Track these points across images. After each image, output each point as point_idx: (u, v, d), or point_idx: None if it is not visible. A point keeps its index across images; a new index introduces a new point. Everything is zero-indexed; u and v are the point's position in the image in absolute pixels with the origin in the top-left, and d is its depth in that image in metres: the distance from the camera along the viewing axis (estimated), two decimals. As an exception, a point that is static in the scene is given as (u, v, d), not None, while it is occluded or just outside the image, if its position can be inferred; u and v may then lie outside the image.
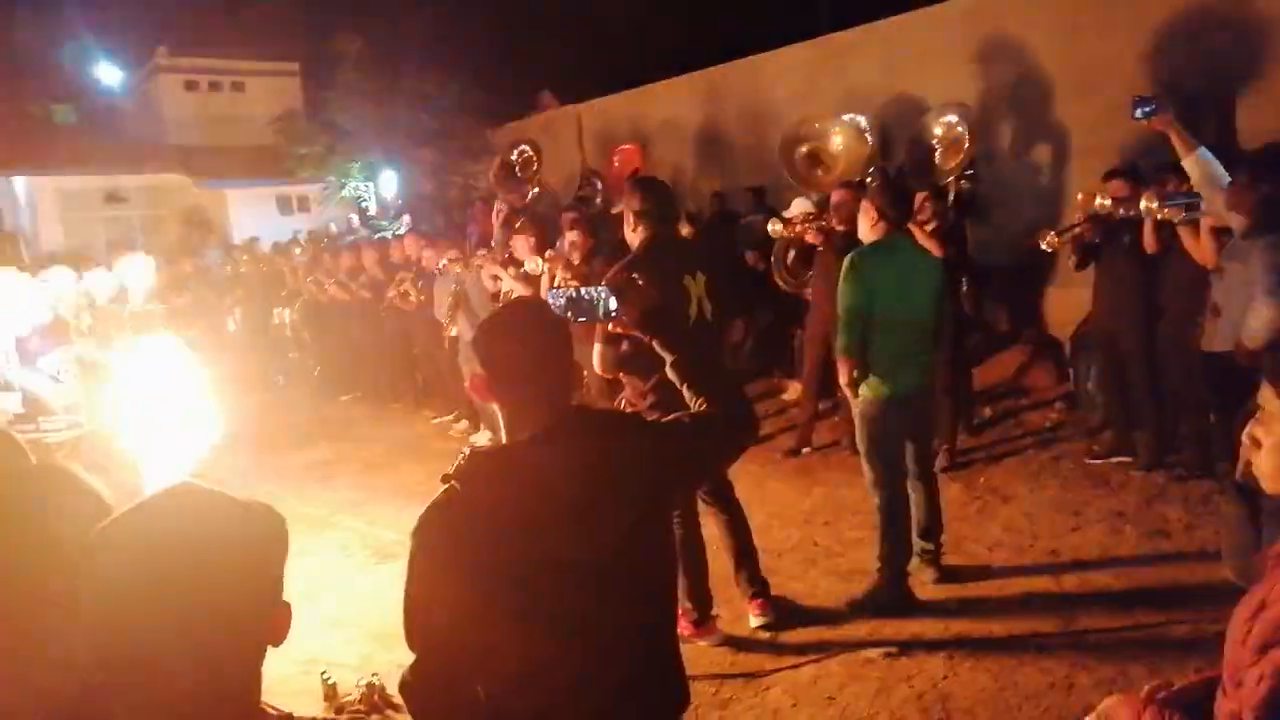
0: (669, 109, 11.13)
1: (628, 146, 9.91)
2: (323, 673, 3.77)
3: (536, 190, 10.45)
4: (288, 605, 1.19)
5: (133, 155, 20.63)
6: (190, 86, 23.06)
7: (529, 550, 1.63)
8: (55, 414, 7.99)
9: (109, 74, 21.98)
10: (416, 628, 1.66)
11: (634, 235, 3.83)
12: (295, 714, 1.23)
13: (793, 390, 7.42)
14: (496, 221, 8.24)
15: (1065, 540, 4.63)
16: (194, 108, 22.76)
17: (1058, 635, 3.74)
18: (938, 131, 6.97)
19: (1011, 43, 7.64)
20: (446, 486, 1.67)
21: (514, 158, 10.59)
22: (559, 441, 1.69)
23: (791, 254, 6.54)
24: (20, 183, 20.01)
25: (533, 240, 6.78)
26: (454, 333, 7.66)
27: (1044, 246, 5.52)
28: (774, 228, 6.20)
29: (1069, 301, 6.61)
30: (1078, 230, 5.48)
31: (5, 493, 1.45)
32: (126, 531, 1.13)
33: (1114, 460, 5.54)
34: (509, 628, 1.63)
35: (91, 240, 19.78)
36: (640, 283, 2.02)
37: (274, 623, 1.17)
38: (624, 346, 3.46)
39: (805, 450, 6.40)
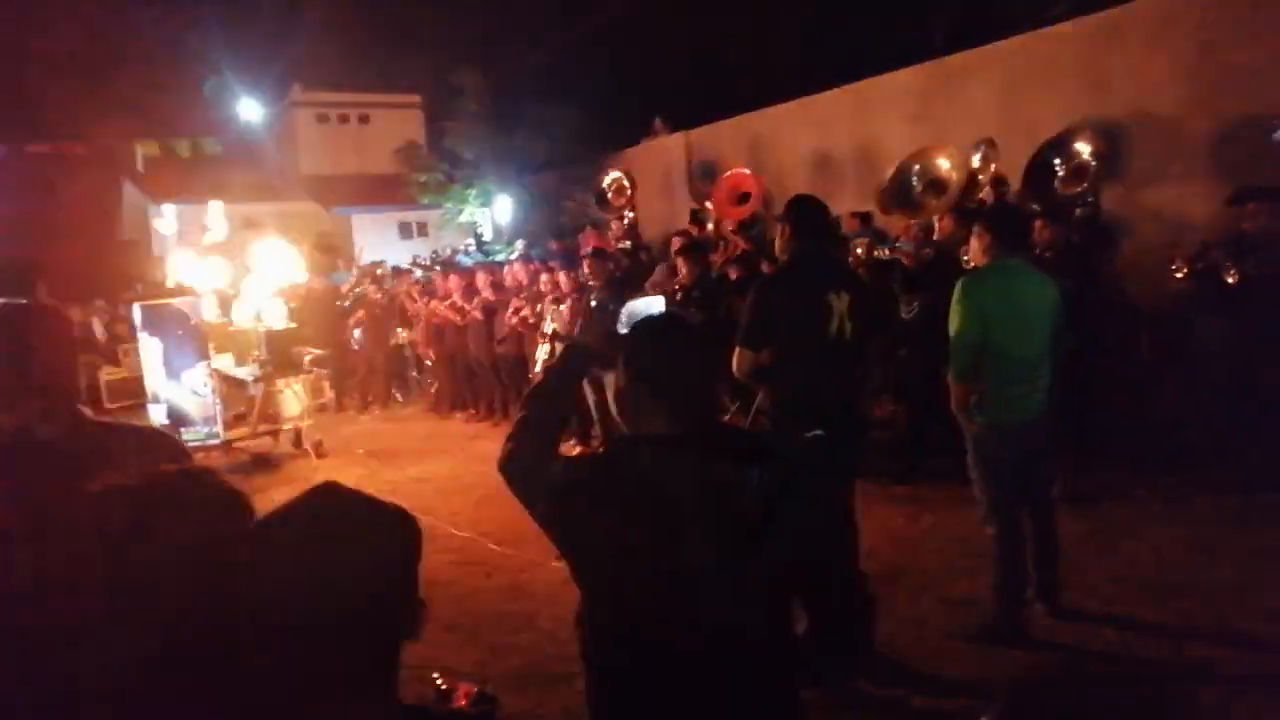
0: (779, 134, 11.15)
1: (736, 171, 9.96)
2: (436, 677, 3.91)
3: (632, 215, 10.68)
4: (423, 601, 1.28)
5: (269, 184, 21.94)
6: (321, 119, 24.42)
7: (636, 534, 1.72)
8: (196, 425, 8.57)
9: (249, 109, 23.44)
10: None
11: (784, 248, 3.90)
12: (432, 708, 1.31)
13: (900, 416, 7.27)
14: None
15: (1196, 578, 4.40)
16: (324, 139, 24.07)
17: (1186, 678, 3.55)
18: (1063, 153, 6.78)
19: (1135, 62, 7.36)
20: (596, 449, 1.83)
21: (606, 185, 10.88)
22: (689, 450, 1.76)
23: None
24: (169, 210, 21.50)
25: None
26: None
27: (1174, 270, 5.32)
28: (859, 251, 6.17)
29: (1201, 326, 6.29)
30: (1213, 257, 5.25)
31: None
32: (279, 528, 1.24)
33: (1252, 497, 5.22)
34: (602, 578, 1.80)
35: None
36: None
37: (411, 615, 1.25)
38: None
39: (914, 477, 6.27)
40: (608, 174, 11.14)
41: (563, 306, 8.17)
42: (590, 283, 7.57)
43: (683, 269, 7.01)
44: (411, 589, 1.28)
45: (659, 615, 1.73)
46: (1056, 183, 6.72)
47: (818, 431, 3.65)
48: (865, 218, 8.58)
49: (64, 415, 1.84)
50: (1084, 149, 6.74)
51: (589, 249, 8.97)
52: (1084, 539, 4.96)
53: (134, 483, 1.38)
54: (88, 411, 1.92)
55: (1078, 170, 6.67)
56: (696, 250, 7.29)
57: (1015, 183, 7.16)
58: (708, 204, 10.11)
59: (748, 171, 9.81)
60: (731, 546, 1.73)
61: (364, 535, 1.23)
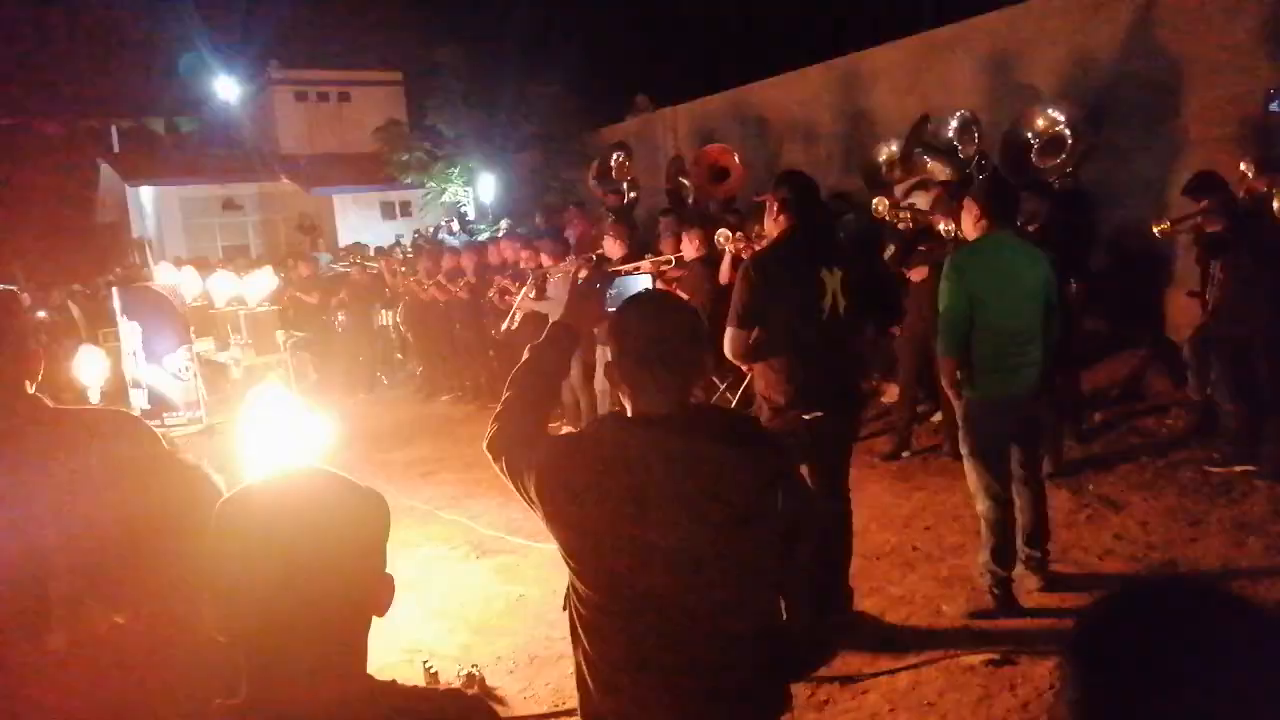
0: (765, 109, 11.06)
1: (713, 146, 9.88)
2: (425, 661, 3.89)
3: (634, 195, 10.59)
4: (390, 577, 1.25)
5: (248, 165, 21.67)
6: (300, 97, 24.03)
7: (619, 514, 1.69)
8: (178, 409, 8.48)
9: (226, 88, 23.07)
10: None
11: (774, 225, 3.84)
12: (397, 681, 1.30)
13: (890, 393, 7.27)
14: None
15: (1183, 550, 4.41)
16: (303, 118, 23.71)
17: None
18: (1037, 127, 6.73)
19: (1125, 33, 7.32)
20: (578, 430, 1.82)
21: (612, 162, 10.77)
22: (671, 429, 1.74)
23: (890, 249, 6.35)
24: (147, 192, 21.24)
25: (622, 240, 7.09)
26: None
27: (1155, 232, 5.32)
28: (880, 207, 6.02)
29: (1187, 302, 6.30)
30: (1199, 219, 5.22)
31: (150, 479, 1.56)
32: (247, 506, 1.21)
33: (1237, 469, 5.24)
34: (585, 558, 1.77)
35: (209, 245, 20.98)
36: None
37: (380, 593, 1.23)
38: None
39: (904, 454, 6.27)
40: (613, 153, 11.04)
41: (548, 282, 8.06)
42: (612, 254, 7.35)
43: (688, 244, 6.96)
44: (378, 565, 1.25)
45: (641, 596, 1.71)
46: (1033, 155, 6.69)
47: (816, 413, 3.61)
48: (845, 196, 8.55)
49: (19, 403, 1.78)
50: (1058, 119, 6.69)
51: (611, 216, 8.88)
52: (1072, 512, 4.98)
53: (100, 467, 1.34)
54: (45, 399, 1.86)
55: (1054, 142, 6.64)
56: (701, 225, 7.23)
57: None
58: (682, 179, 10.04)
59: (722, 147, 9.73)
60: (713, 528, 1.70)
61: (330, 511, 1.20)
